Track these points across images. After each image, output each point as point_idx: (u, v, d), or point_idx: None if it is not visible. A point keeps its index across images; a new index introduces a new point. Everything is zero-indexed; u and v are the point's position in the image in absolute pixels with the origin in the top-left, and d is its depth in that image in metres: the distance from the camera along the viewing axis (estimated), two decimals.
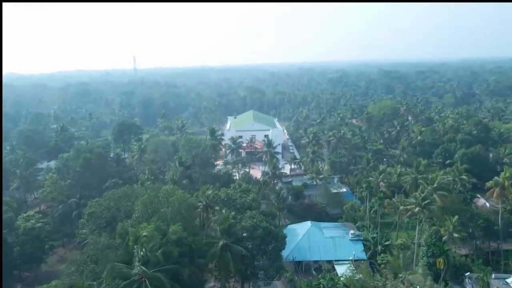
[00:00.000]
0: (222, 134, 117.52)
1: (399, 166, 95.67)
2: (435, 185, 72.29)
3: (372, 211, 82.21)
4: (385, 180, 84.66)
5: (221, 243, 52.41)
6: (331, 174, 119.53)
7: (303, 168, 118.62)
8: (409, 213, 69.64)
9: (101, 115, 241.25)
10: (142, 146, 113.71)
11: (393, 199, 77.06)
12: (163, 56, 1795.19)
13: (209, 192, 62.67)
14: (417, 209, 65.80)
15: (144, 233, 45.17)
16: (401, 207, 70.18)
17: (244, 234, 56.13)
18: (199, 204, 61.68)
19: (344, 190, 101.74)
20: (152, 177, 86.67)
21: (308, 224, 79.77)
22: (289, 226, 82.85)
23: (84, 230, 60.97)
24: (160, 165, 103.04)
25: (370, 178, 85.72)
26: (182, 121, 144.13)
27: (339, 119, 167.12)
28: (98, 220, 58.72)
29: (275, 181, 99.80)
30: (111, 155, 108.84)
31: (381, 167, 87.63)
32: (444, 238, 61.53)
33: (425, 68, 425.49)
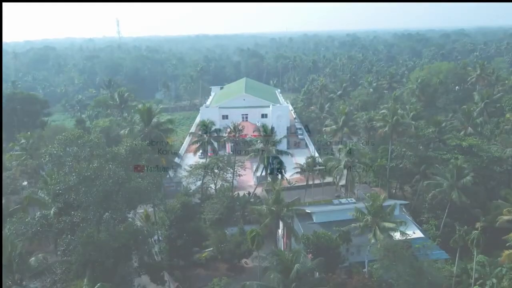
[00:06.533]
0: (161, 124, 57.68)
1: None
2: None
3: None
4: None
5: None
6: (367, 183, 70.40)
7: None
8: None
9: (54, 85, 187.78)
10: (31, 142, 61.63)
11: None
12: (157, 24, 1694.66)
13: None
14: None
15: None
16: None
17: None
18: None
19: (421, 235, 50.09)
20: None
21: None
22: None
23: None
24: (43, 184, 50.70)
25: None
26: (122, 91, 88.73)
27: (371, 89, 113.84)
28: None
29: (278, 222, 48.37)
30: None
31: None
32: None
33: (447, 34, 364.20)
